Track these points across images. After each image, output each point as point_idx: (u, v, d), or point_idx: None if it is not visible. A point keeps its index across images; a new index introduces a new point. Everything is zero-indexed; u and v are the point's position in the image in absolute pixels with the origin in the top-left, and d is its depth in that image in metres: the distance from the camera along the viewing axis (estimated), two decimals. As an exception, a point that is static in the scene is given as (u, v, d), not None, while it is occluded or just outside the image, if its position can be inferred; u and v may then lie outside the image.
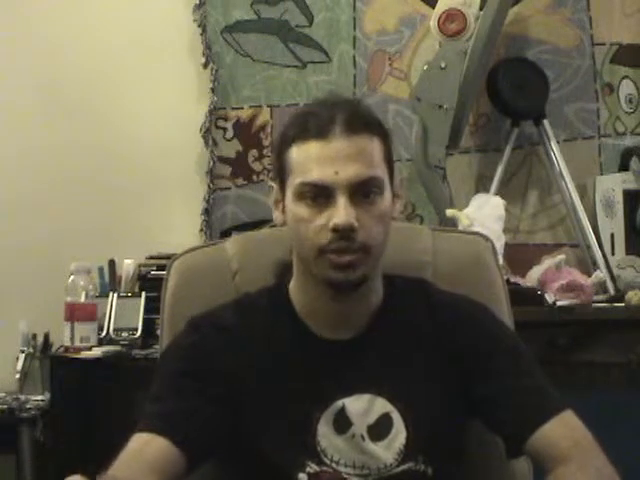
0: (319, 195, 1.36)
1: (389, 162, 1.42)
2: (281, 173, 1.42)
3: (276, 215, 1.46)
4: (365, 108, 1.43)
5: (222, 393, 1.40)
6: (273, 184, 1.46)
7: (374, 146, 1.39)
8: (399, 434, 1.41)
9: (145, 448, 1.31)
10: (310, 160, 1.37)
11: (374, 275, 1.44)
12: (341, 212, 1.35)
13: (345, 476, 1.39)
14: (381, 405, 1.41)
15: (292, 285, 1.48)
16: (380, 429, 1.41)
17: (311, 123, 1.38)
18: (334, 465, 1.39)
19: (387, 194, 1.40)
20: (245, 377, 1.42)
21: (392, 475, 1.40)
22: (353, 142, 1.37)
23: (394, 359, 1.44)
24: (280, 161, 1.42)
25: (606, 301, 2.75)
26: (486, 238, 1.72)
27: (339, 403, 1.40)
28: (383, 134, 1.41)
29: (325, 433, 1.39)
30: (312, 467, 1.38)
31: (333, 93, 1.45)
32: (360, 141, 1.37)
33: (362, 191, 1.37)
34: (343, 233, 1.35)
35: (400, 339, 1.45)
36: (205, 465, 1.41)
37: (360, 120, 1.39)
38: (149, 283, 2.64)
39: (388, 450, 1.40)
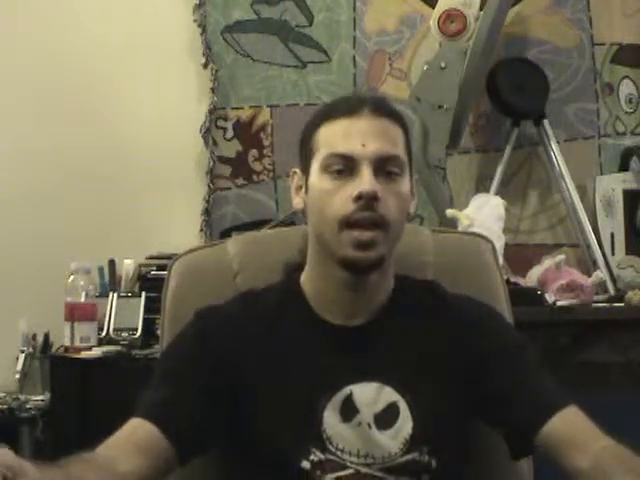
0: (344, 168, 1.40)
1: (409, 156, 1.47)
2: (306, 156, 1.46)
3: (297, 201, 1.49)
4: (392, 104, 1.49)
5: (224, 381, 1.40)
6: (296, 170, 1.50)
7: (398, 132, 1.45)
8: (405, 424, 1.41)
9: (135, 431, 1.33)
10: (338, 134, 1.42)
11: (389, 260, 1.46)
12: (366, 181, 1.38)
13: (349, 464, 1.39)
14: (388, 394, 1.42)
15: (304, 276, 1.50)
16: (387, 418, 1.41)
17: (340, 105, 1.45)
18: (339, 453, 1.39)
19: (406, 180, 1.44)
20: (251, 364, 1.42)
21: (396, 464, 1.40)
22: (380, 122, 1.43)
23: (402, 350, 1.45)
24: (306, 144, 1.46)
25: (606, 301, 2.75)
26: (486, 238, 1.72)
27: (346, 390, 1.41)
28: (406, 129, 1.47)
29: (331, 420, 1.40)
30: (316, 455, 1.38)
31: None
32: (387, 122, 1.44)
33: (385, 167, 1.41)
34: (366, 202, 1.38)
35: (408, 331, 1.46)
36: (203, 456, 1.41)
37: (387, 108, 1.46)
38: (149, 283, 2.64)
39: (394, 439, 1.40)
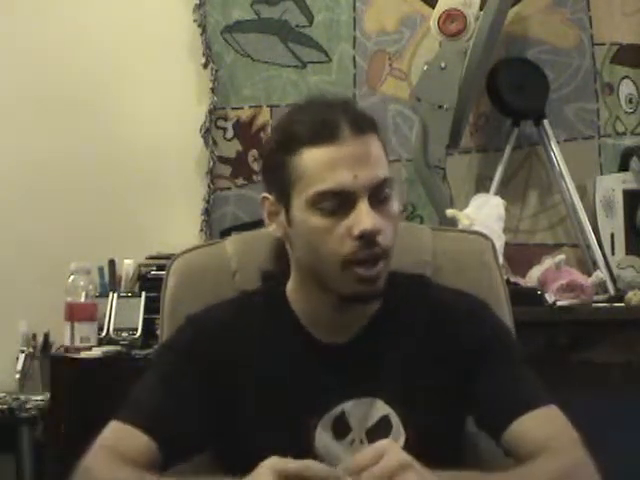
0: (337, 202, 1.31)
1: (386, 154, 1.39)
2: (282, 182, 1.35)
3: (273, 228, 1.40)
4: (358, 106, 1.40)
5: (216, 392, 1.39)
6: (267, 195, 1.40)
7: (378, 145, 1.36)
8: (398, 437, 1.39)
9: (123, 442, 1.31)
10: (324, 166, 1.31)
11: None
12: (365, 217, 1.30)
13: None
14: (380, 408, 1.40)
15: (290, 291, 1.46)
16: (379, 432, 1.39)
17: (317, 127, 1.32)
18: None
19: (395, 193, 1.37)
20: (242, 377, 1.41)
21: None
22: (363, 143, 1.33)
23: (392, 361, 1.42)
24: (279, 170, 1.35)
25: (606, 301, 2.75)
26: (486, 237, 1.72)
27: (338, 408, 1.39)
28: (379, 131, 1.38)
29: (323, 439, 1.38)
30: None
31: (322, 94, 1.43)
32: (369, 141, 1.34)
33: (378, 193, 1.33)
34: (369, 239, 1.31)
35: (398, 341, 1.44)
36: (188, 463, 1.40)
37: (362, 120, 1.36)
38: (149, 283, 2.64)
39: None
